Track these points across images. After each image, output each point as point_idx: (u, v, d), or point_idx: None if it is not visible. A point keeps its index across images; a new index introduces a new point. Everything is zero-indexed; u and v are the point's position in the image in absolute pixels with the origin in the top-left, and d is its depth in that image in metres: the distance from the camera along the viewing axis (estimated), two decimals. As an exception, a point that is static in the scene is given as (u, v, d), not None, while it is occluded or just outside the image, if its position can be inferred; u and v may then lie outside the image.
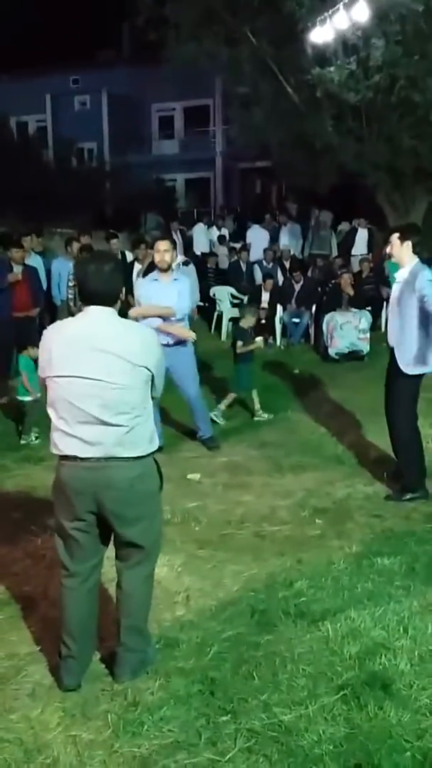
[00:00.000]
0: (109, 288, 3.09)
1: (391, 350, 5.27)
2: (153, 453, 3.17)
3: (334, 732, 2.94)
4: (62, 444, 3.07)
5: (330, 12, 9.11)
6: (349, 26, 9.16)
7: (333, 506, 5.24)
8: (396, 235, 5.25)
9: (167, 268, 6.24)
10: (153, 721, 3.02)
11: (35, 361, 4.72)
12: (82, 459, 3.04)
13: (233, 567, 4.26)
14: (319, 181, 15.61)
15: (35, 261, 9.75)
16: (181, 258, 9.74)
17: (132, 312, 6.35)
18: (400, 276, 5.24)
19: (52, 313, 9.63)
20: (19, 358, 7.34)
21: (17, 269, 8.80)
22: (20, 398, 7.15)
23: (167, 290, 6.19)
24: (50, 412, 3.10)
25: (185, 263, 9.62)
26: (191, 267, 9.68)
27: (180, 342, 6.20)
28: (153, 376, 3.11)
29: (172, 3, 14.18)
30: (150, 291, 6.24)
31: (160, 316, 6.12)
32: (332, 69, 11.86)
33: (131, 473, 3.07)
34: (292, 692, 3.17)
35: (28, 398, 7.02)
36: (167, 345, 6.03)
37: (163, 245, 6.21)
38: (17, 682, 3.32)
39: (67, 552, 3.21)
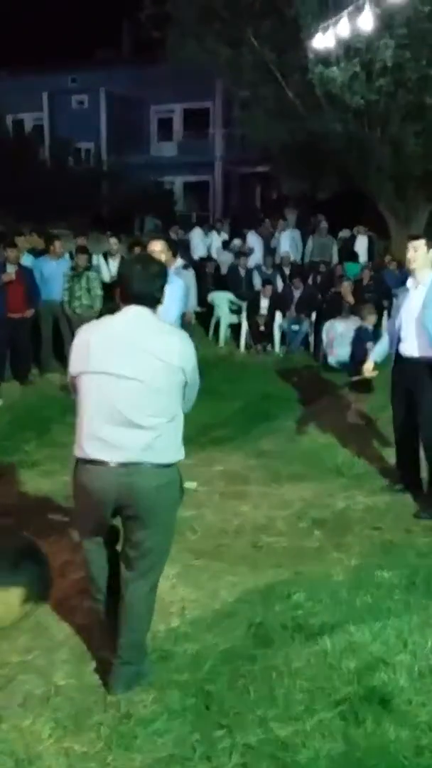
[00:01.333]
0: (153, 290, 3.11)
1: (413, 361, 5.17)
2: (178, 462, 3.15)
3: (331, 748, 2.90)
4: (89, 447, 3.02)
5: (333, 20, 9.08)
6: (353, 33, 9.12)
7: (332, 518, 5.20)
8: (422, 241, 5.21)
9: None
10: (146, 734, 2.98)
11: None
12: (105, 463, 3.00)
13: (229, 578, 4.21)
14: (320, 187, 15.62)
15: (27, 260, 9.67)
16: (180, 262, 9.69)
17: None
18: (422, 282, 5.19)
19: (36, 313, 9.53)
20: None
21: (11, 269, 8.73)
22: None
23: None
24: (79, 411, 3.07)
25: (185, 267, 9.56)
26: (190, 271, 9.63)
27: None
28: (186, 382, 3.09)
29: (173, 0, 14.18)
30: None
31: None
32: (335, 70, 11.85)
33: (156, 481, 3.04)
34: (288, 707, 3.13)
35: None
36: None
37: (157, 245, 6.05)
38: (8, 692, 3.27)
39: (90, 536, 3.23)
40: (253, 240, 15.20)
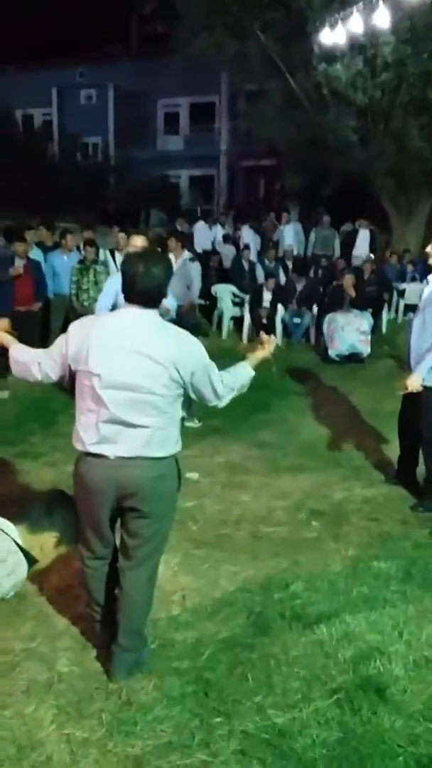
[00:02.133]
0: (156, 290, 3.09)
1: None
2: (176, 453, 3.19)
3: (327, 736, 2.94)
4: (87, 439, 3.06)
5: (341, 14, 9.06)
6: (366, 30, 9.06)
7: (330, 509, 5.23)
8: None
9: None
10: (147, 721, 3.02)
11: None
12: (105, 457, 3.05)
13: (229, 567, 4.26)
14: (324, 180, 15.60)
15: (36, 254, 9.73)
16: (187, 254, 9.71)
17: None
18: None
19: (46, 306, 9.59)
20: None
21: (19, 263, 8.78)
22: None
23: None
24: (77, 404, 3.10)
25: (191, 260, 9.58)
26: (197, 264, 9.65)
27: None
28: (190, 380, 3.08)
29: None
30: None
31: None
32: (339, 67, 11.85)
33: (153, 473, 3.08)
34: (286, 695, 3.18)
35: None
36: None
37: (139, 240, 6.15)
38: (11, 678, 3.32)
39: (88, 536, 3.26)
40: (248, 235, 15.22)
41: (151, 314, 3.10)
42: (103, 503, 3.13)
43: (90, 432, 3.05)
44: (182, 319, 9.29)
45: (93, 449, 3.06)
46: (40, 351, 3.30)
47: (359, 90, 12.27)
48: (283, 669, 3.35)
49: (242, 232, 15.43)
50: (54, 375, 3.20)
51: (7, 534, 2.43)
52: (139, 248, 5.95)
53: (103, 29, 30.15)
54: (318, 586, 4.04)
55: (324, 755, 2.84)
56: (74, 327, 3.15)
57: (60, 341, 3.16)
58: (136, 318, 3.07)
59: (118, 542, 3.32)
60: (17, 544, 2.45)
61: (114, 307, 6.21)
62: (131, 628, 3.30)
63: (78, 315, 9.21)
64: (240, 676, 3.31)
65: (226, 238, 15.43)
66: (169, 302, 6.31)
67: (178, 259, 9.26)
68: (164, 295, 3.15)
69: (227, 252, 14.42)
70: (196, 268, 9.52)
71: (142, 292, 3.06)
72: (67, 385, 3.28)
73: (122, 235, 11.01)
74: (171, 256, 9.34)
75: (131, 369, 2.98)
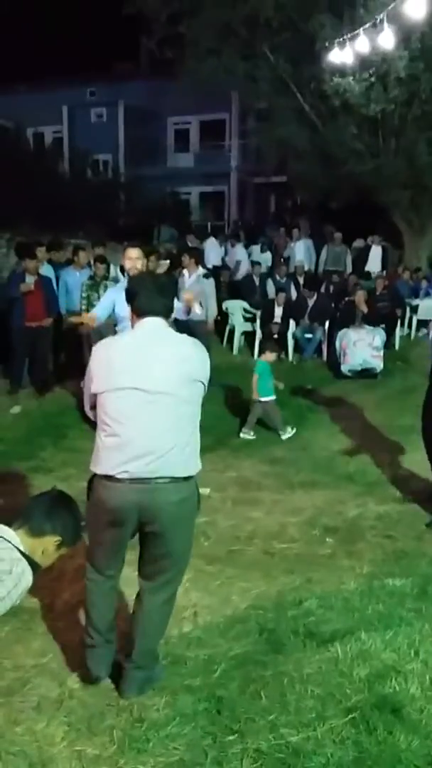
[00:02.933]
0: (165, 299, 3.13)
1: None
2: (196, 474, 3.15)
3: (342, 755, 2.89)
4: (109, 462, 3.00)
5: (350, 35, 9.13)
6: (371, 51, 9.14)
7: (344, 525, 5.20)
8: None
9: None
10: (159, 738, 2.99)
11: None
12: (128, 480, 2.98)
13: (242, 584, 4.22)
14: (335, 197, 15.64)
15: (48, 271, 9.77)
16: (201, 270, 9.74)
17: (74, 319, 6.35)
18: None
19: (57, 322, 9.63)
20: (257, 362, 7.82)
21: (30, 279, 8.82)
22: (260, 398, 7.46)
23: None
24: (100, 427, 3.05)
25: (205, 276, 9.62)
26: (211, 280, 9.69)
27: None
28: (204, 391, 3.12)
29: (188, 20, 14.25)
30: (118, 298, 5.94)
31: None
32: (351, 81, 11.93)
33: (177, 495, 3.04)
34: (300, 713, 3.13)
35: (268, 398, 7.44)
36: None
37: (134, 252, 6.05)
38: (23, 695, 3.30)
39: (99, 557, 3.21)
40: (241, 253, 15.29)
41: (166, 325, 3.12)
42: (124, 527, 3.07)
43: (112, 454, 2.99)
44: (197, 336, 9.32)
45: (115, 472, 2.99)
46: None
47: (372, 103, 12.33)
48: (296, 687, 3.30)
49: (236, 249, 15.52)
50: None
51: (8, 541, 2.42)
52: (134, 260, 6.00)
53: (113, 48, 30.49)
54: (332, 603, 4.00)
55: (339, 775, 2.80)
56: (95, 351, 3.14)
57: (88, 372, 3.14)
58: (154, 329, 3.09)
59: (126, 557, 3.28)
60: (20, 550, 2.45)
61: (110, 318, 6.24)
62: (147, 648, 3.27)
63: (89, 331, 9.29)
64: (253, 693, 3.27)
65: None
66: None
67: (192, 275, 9.29)
68: (173, 305, 3.20)
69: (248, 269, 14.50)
70: (210, 285, 9.54)
71: (151, 306, 3.09)
72: (93, 417, 3.21)
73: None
74: (185, 272, 9.38)
75: (160, 379, 2.97)
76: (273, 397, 7.50)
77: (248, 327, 12.25)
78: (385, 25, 8.16)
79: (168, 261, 9.93)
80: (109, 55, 30.88)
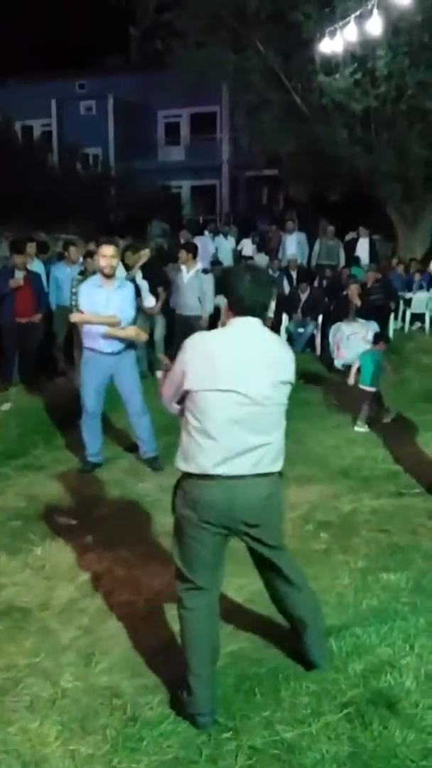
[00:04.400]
0: (265, 299, 3.10)
1: None
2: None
3: (337, 751, 2.89)
4: (206, 461, 2.98)
5: (341, 24, 9.10)
6: (360, 38, 9.13)
7: (338, 520, 5.18)
8: None
9: (112, 275, 6.00)
10: (152, 736, 2.98)
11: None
12: (226, 477, 2.98)
13: (236, 580, 4.18)
14: (327, 190, 15.62)
15: (37, 266, 9.72)
16: (199, 265, 9.69)
17: (74, 318, 6.29)
18: None
19: (49, 318, 9.57)
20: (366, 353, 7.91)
21: (19, 275, 8.78)
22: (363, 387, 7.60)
23: (111, 297, 5.96)
24: (192, 425, 3.01)
25: (204, 271, 9.59)
26: (209, 276, 9.66)
27: (125, 349, 6.06)
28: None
29: (176, 11, 14.16)
30: (93, 298, 5.98)
31: (106, 324, 5.94)
32: (338, 77, 11.90)
33: (269, 489, 3.06)
34: (294, 710, 3.12)
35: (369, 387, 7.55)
36: (112, 353, 5.97)
37: (108, 250, 5.92)
38: (15, 694, 3.28)
39: (198, 568, 3.12)
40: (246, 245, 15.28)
41: (261, 325, 3.09)
42: (221, 526, 3.04)
43: (208, 453, 2.97)
44: (194, 331, 9.27)
45: (212, 471, 2.97)
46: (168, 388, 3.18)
47: (354, 101, 12.32)
48: (291, 683, 3.29)
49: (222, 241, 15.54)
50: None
51: None
52: (109, 257, 5.88)
53: (103, 41, 30.32)
54: (327, 598, 3.97)
55: (335, 771, 2.79)
56: (190, 347, 3.04)
57: (178, 365, 3.06)
58: (254, 331, 3.05)
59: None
60: None
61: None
62: (321, 618, 3.44)
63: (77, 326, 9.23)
64: (248, 690, 3.26)
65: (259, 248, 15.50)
66: (131, 312, 6.22)
67: (190, 270, 9.26)
68: (269, 306, 3.17)
69: (261, 261, 14.44)
70: (208, 280, 9.51)
71: (253, 303, 3.04)
72: (175, 410, 3.18)
73: (123, 243, 10.99)
74: (182, 267, 9.34)
75: (259, 382, 2.97)
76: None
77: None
78: (375, 11, 8.13)
79: (147, 250, 9.77)
80: (99, 48, 30.81)
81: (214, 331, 3.17)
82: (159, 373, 3.07)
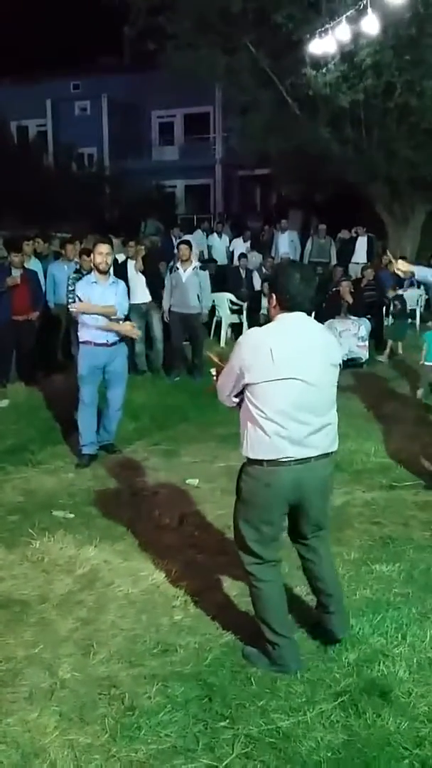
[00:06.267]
0: (312, 294, 3.32)
1: None
2: None
3: (332, 739, 2.93)
4: (275, 449, 3.18)
5: (332, 24, 9.10)
6: (353, 37, 9.14)
7: (331, 513, 5.18)
8: None
9: (106, 271, 6.36)
10: (150, 725, 3.01)
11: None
12: (294, 461, 3.19)
13: (232, 572, 4.24)
14: (318, 189, 15.64)
15: (35, 265, 9.74)
16: (197, 262, 9.75)
17: (74, 307, 6.51)
18: None
19: (46, 316, 9.59)
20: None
21: (16, 273, 8.80)
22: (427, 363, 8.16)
23: (106, 293, 6.31)
24: (258, 414, 3.18)
25: (202, 268, 9.64)
26: (206, 272, 9.71)
27: (118, 341, 6.38)
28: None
29: (168, 13, 14.16)
30: (89, 293, 6.31)
31: (103, 315, 6.25)
32: (324, 71, 11.90)
33: (329, 469, 3.38)
34: (290, 698, 3.17)
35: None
36: (106, 344, 6.28)
37: (104, 248, 6.29)
38: (14, 686, 3.31)
39: (266, 544, 3.36)
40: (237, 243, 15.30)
41: (311, 318, 3.35)
42: (283, 505, 3.30)
43: (276, 440, 3.16)
44: (193, 327, 9.34)
45: (281, 456, 3.18)
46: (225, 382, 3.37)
47: (346, 92, 12.30)
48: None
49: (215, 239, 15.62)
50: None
51: None
52: (104, 255, 6.18)
53: (97, 41, 30.24)
54: (320, 589, 4.02)
55: (329, 758, 2.83)
56: (246, 342, 3.23)
57: (236, 361, 3.23)
58: (307, 323, 3.30)
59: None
60: None
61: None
62: (340, 590, 3.63)
63: (76, 324, 9.25)
64: (244, 680, 3.30)
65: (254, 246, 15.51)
66: (125, 305, 6.48)
67: (188, 268, 9.30)
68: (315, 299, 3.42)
69: (255, 260, 14.47)
70: (205, 277, 9.56)
71: (305, 299, 3.25)
72: (233, 403, 3.38)
73: (116, 242, 11.03)
74: (179, 265, 9.38)
75: (316, 368, 3.19)
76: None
77: (235, 319, 12.26)
78: (369, 10, 8.14)
79: (142, 247, 9.86)
80: (93, 48, 30.71)
81: (265, 327, 3.31)
82: (213, 370, 3.20)
